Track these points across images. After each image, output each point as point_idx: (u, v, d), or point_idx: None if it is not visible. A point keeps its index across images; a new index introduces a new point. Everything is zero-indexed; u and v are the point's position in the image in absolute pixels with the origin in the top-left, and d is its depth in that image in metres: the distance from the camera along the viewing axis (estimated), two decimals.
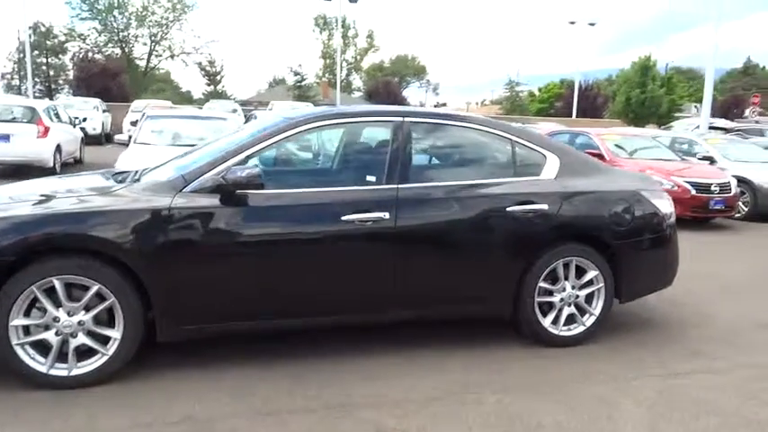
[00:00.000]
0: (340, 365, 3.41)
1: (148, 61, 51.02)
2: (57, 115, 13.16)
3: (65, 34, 47.83)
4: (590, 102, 31.88)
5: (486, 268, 3.60)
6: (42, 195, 3.26)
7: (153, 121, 8.37)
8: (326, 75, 61.01)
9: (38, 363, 3.00)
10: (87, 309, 3.04)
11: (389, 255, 3.41)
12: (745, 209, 9.71)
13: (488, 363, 3.54)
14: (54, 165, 11.90)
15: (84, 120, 18.47)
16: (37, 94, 31.08)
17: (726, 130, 17.18)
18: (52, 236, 2.96)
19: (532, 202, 3.61)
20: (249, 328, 3.35)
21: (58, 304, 3.00)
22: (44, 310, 3.00)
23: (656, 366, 3.57)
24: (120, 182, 3.55)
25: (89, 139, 17.35)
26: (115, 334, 3.08)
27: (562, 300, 3.75)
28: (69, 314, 3.01)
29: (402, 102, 33.32)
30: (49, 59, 43.94)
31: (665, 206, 4.00)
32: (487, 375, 3.38)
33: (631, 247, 3.83)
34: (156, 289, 3.09)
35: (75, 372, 3.04)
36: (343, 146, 3.84)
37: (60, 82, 46.38)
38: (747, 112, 30.46)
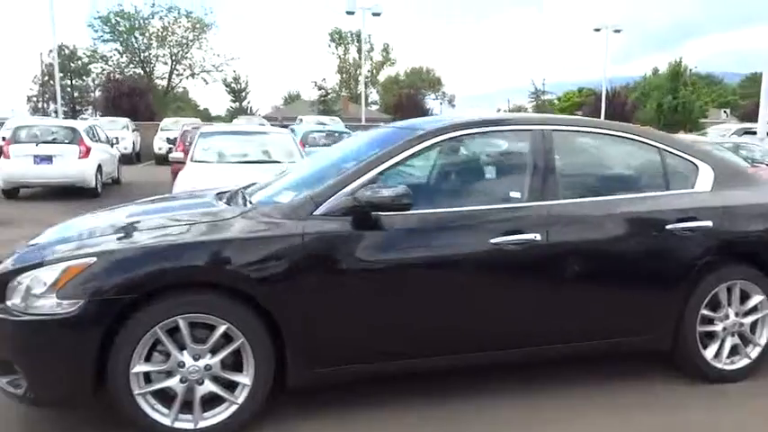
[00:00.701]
0: (499, 407, 3.01)
1: (170, 80, 51.36)
2: (96, 135, 12.99)
3: (88, 56, 48.43)
4: (618, 109, 31.27)
5: (646, 295, 3.18)
6: (154, 224, 2.89)
7: (206, 139, 8.07)
8: (343, 89, 61.14)
9: (161, 414, 2.62)
10: (213, 351, 2.67)
11: (542, 282, 3.01)
12: None
13: (654, 401, 3.10)
14: (96, 185, 11.69)
15: (116, 139, 18.35)
16: (62, 116, 31.26)
17: None
18: (180, 270, 2.60)
19: (695, 219, 3.19)
20: (388, 368, 2.94)
21: (181, 347, 2.63)
22: (166, 355, 2.63)
23: None
24: (228, 205, 3.20)
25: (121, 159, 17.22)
26: (244, 379, 2.70)
27: (725, 329, 3.31)
28: (195, 358, 2.64)
29: (426, 113, 32.97)
30: (74, 81, 44.42)
31: None
32: (663, 416, 2.95)
33: None
34: (289, 327, 2.70)
35: (201, 424, 2.66)
36: (479, 158, 3.45)
37: (83, 103, 46.93)
38: None
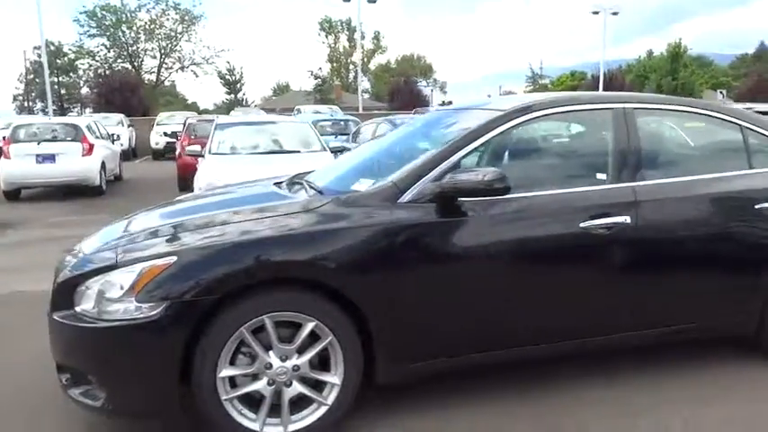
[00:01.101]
0: (582, 401, 2.87)
1: (159, 74, 50.59)
2: (97, 132, 12.67)
3: (74, 52, 47.55)
4: (615, 91, 31.19)
5: (733, 277, 3.06)
6: (228, 219, 2.69)
7: (223, 131, 7.85)
8: (334, 78, 60.68)
9: (248, 419, 2.47)
10: (299, 351, 2.51)
11: (630, 266, 2.87)
12: None
13: (733, 387, 2.99)
14: (100, 183, 11.40)
15: (117, 136, 18.00)
16: (52, 114, 30.69)
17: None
18: (267, 265, 2.43)
19: None
20: (479, 361, 2.79)
21: (266, 348, 2.47)
22: (251, 357, 2.47)
23: None
24: (295, 194, 3.04)
25: None
26: (333, 379, 2.54)
27: None
28: (282, 359, 2.48)
29: (423, 99, 32.71)
30: (60, 78, 43.64)
31: None
32: (745, 405, 2.84)
33: None
34: (378, 321, 2.55)
35: (291, 428, 2.50)
36: (562, 138, 3.30)
37: (72, 100, 46.18)
38: None
